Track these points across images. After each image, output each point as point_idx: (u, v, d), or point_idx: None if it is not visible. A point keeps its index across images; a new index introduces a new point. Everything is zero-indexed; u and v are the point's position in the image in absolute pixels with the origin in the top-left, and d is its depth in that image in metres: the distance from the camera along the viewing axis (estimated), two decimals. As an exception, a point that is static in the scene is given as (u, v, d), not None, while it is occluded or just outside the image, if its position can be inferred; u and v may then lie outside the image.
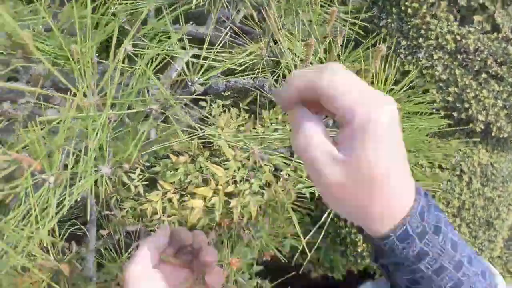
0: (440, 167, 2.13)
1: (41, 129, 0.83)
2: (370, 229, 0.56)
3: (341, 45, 1.37)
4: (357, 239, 2.30)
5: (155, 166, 1.96)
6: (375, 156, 0.48)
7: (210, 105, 2.01)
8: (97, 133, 0.89)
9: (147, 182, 1.97)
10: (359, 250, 2.32)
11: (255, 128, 2.06)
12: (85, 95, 0.92)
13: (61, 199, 0.88)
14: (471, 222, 2.17)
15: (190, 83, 1.11)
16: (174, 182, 1.93)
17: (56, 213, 0.88)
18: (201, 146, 1.99)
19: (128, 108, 1.04)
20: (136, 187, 1.90)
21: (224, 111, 2.05)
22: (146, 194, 1.91)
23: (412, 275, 0.57)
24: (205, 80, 1.12)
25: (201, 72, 1.12)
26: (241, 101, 2.10)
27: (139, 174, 1.93)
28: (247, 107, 2.12)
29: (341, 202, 0.53)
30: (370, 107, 0.48)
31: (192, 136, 1.18)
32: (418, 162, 2.07)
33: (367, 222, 0.55)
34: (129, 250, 1.80)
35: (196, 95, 1.13)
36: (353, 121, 0.48)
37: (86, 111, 0.89)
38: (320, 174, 0.51)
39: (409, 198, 0.54)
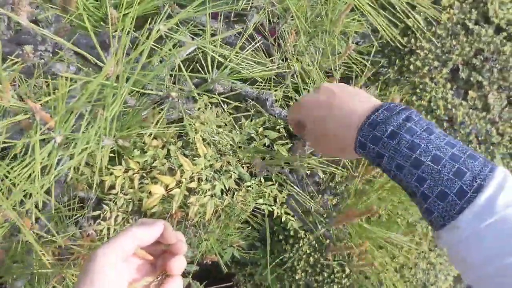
0: (396, 222, 2.17)
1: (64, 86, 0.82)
2: (346, 151, 0.80)
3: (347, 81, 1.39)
4: (297, 266, 2.32)
5: (128, 141, 1.93)
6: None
7: (196, 100, 2.00)
8: (114, 104, 0.88)
9: (111, 154, 1.94)
10: (296, 277, 2.34)
11: (231, 132, 2.06)
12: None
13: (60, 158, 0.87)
14: (409, 281, 2.22)
15: (209, 80, 1.11)
16: (139, 162, 1.91)
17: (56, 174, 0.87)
18: (176, 136, 1.98)
19: (142, 88, 1.03)
20: (102, 156, 1.86)
21: (206, 108, 2.05)
22: (108, 165, 1.88)
23: (388, 173, 0.72)
24: (226, 82, 1.12)
25: (222, 72, 1.12)
26: (226, 103, 2.10)
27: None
28: (230, 111, 2.11)
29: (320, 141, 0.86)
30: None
31: (172, 123, 1.18)
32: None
33: (347, 150, 0.79)
34: (76, 216, 1.76)
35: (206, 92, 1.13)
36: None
37: (113, 80, 0.87)
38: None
39: (353, 125, 0.76)
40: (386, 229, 1.19)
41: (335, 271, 2.23)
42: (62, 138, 0.86)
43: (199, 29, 1.23)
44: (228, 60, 1.11)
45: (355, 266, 1.16)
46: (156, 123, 1.56)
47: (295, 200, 1.22)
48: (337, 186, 1.43)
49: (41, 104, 0.82)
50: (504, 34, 2.11)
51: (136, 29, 1.04)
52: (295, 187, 1.28)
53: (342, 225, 1.15)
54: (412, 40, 2.16)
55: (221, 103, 2.06)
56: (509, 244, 0.60)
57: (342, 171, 1.27)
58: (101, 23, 1.02)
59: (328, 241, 1.21)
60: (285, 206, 2.02)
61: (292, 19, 1.53)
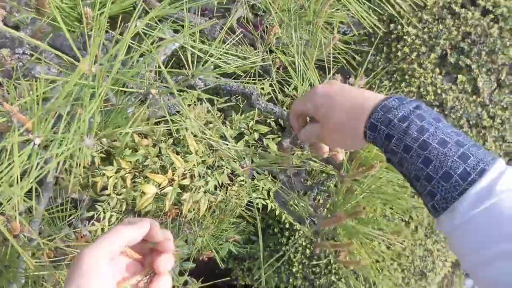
0: (391, 209, 2.16)
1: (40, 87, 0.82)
2: (356, 138, 0.80)
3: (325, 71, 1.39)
4: (294, 259, 2.32)
5: (115, 141, 1.94)
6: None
7: (185, 96, 2.00)
8: (93, 103, 0.88)
9: (103, 155, 1.94)
10: (293, 270, 2.34)
11: (222, 128, 2.06)
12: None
13: (40, 161, 0.87)
14: (406, 269, 2.22)
15: (190, 76, 1.10)
16: (131, 162, 1.91)
17: (37, 177, 0.86)
18: (166, 133, 1.98)
19: (123, 86, 1.03)
20: (93, 156, 1.87)
21: (195, 104, 2.05)
22: (100, 166, 1.88)
23: (394, 157, 0.74)
24: (204, 77, 1.11)
25: (203, 67, 1.11)
26: (216, 98, 2.10)
27: (98, 145, 1.90)
28: (220, 106, 2.12)
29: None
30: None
31: (161, 120, 1.18)
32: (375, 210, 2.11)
33: (356, 134, 0.80)
34: (71, 217, 1.76)
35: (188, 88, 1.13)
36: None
37: (90, 79, 0.87)
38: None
39: (367, 109, 0.77)
40: (374, 227, 1.19)
41: (331, 262, 2.23)
42: (42, 139, 0.86)
43: (178, 25, 1.22)
44: (207, 54, 1.10)
45: (342, 262, 1.16)
46: (143, 121, 1.56)
47: (282, 196, 1.21)
48: (325, 183, 1.43)
49: (19, 107, 0.82)
50: (491, 16, 2.10)
51: (115, 27, 1.04)
52: (284, 184, 1.28)
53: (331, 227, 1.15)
54: (399, 27, 2.15)
55: (209, 99, 2.07)
56: (501, 230, 0.62)
57: (326, 167, 1.27)
58: (77, 23, 1.02)
59: (316, 238, 1.20)
60: (278, 199, 2.02)
61: (277, 12, 1.52)
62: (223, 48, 1.14)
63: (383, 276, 2.13)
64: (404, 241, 2.17)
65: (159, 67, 1.02)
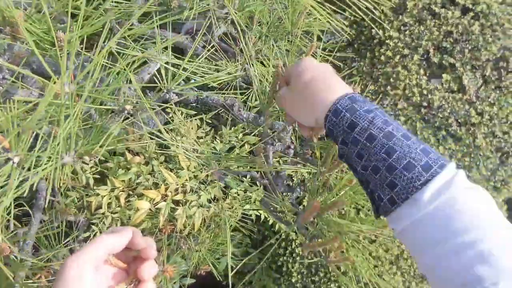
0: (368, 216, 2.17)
1: (17, 108, 0.84)
2: (318, 118, 0.81)
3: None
4: (293, 269, 2.33)
5: (108, 162, 1.96)
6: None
7: (174, 113, 2.02)
8: (68, 122, 0.90)
9: (97, 176, 1.96)
10: (293, 280, 2.34)
11: (213, 142, 2.08)
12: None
13: (19, 180, 0.88)
14: (406, 272, 2.22)
15: (165, 91, 1.13)
16: (124, 180, 1.93)
17: (15, 193, 0.88)
18: (158, 151, 2.00)
19: (101, 104, 1.05)
20: (87, 178, 1.89)
21: (186, 120, 2.06)
22: (94, 187, 1.90)
23: (354, 148, 0.74)
24: (180, 91, 1.13)
25: (177, 82, 1.13)
26: (205, 113, 2.12)
27: (92, 167, 1.92)
28: (209, 121, 2.14)
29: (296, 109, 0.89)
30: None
31: (152, 139, 1.19)
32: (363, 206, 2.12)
33: (314, 115, 0.82)
34: (67, 239, 1.78)
35: (163, 102, 1.15)
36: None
37: (62, 99, 0.89)
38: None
39: (336, 94, 0.79)
40: (360, 223, 1.20)
41: (330, 270, 2.23)
42: (21, 158, 0.88)
43: (152, 43, 1.25)
44: (180, 69, 1.12)
45: (332, 262, 1.17)
46: (134, 140, 1.58)
47: (268, 202, 1.23)
48: (305, 182, 1.45)
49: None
50: (471, 14, 2.12)
51: (90, 49, 1.06)
52: (266, 188, 1.30)
53: (312, 221, 1.15)
54: (380, 31, 2.18)
55: (198, 114, 2.09)
56: (458, 224, 0.63)
57: (310, 168, 1.28)
58: (50, 46, 1.04)
59: (304, 238, 1.22)
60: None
61: (259, 25, 1.55)
62: (195, 63, 1.16)
63: (383, 281, 2.14)
64: (401, 244, 2.17)
65: (141, 82, 1.05)
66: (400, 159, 0.68)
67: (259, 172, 1.34)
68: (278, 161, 1.72)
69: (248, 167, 1.26)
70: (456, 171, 0.67)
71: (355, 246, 1.26)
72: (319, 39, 1.81)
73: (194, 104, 2.02)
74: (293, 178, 2.09)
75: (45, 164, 0.90)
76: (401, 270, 2.22)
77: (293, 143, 1.40)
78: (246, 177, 2.03)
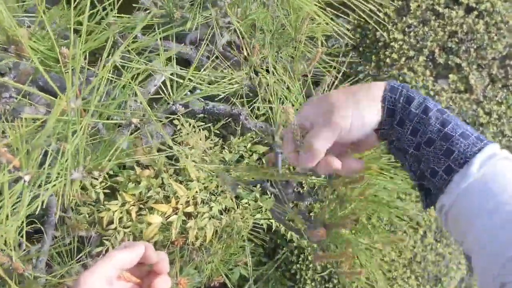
0: (398, 217, 2.15)
1: (26, 126, 0.84)
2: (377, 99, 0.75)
3: (316, 86, 1.40)
4: (307, 277, 2.31)
5: (117, 176, 1.96)
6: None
7: (182, 124, 2.02)
8: (75, 138, 0.90)
9: (107, 191, 1.96)
10: (307, 288, 2.34)
11: (222, 152, 2.08)
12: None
13: (30, 197, 0.88)
14: (420, 276, 2.21)
15: (171, 103, 1.12)
16: (134, 194, 1.93)
17: (27, 211, 0.88)
18: (167, 163, 2.00)
19: (108, 118, 1.05)
20: (97, 193, 1.89)
21: (195, 131, 2.07)
22: (105, 202, 1.90)
23: (409, 124, 0.71)
24: (186, 102, 1.13)
25: (183, 93, 1.13)
26: (213, 124, 2.12)
27: (102, 182, 1.93)
28: (217, 131, 2.13)
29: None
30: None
31: (161, 153, 1.19)
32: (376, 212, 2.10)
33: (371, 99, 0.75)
34: (80, 255, 1.78)
35: (170, 114, 1.14)
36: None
37: (69, 115, 0.89)
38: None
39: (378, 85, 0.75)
40: (369, 235, 1.19)
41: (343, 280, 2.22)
42: (31, 176, 0.88)
43: (156, 55, 1.25)
44: (186, 79, 1.12)
45: (344, 274, 1.15)
46: (144, 153, 1.58)
47: (277, 211, 1.22)
48: (318, 191, 1.44)
49: (7, 147, 0.84)
50: (475, 13, 2.12)
51: (95, 63, 1.06)
52: (276, 197, 1.29)
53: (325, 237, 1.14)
54: (385, 34, 2.17)
55: (207, 124, 2.09)
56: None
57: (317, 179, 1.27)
58: (55, 63, 1.04)
59: (314, 250, 1.21)
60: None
61: (261, 33, 1.54)
62: (200, 73, 1.16)
63: (397, 286, 2.13)
64: (414, 247, 2.16)
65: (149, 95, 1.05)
66: (455, 128, 0.68)
67: (269, 181, 1.34)
68: (288, 169, 1.71)
69: (259, 177, 1.25)
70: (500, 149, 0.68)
71: (366, 253, 1.25)
72: (324, 44, 1.80)
73: (202, 115, 2.02)
74: (304, 186, 2.08)
75: (55, 180, 0.90)
76: (415, 274, 2.21)
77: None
78: (256, 187, 2.03)
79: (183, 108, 1.11)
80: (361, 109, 0.73)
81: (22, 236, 1.09)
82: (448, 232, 0.76)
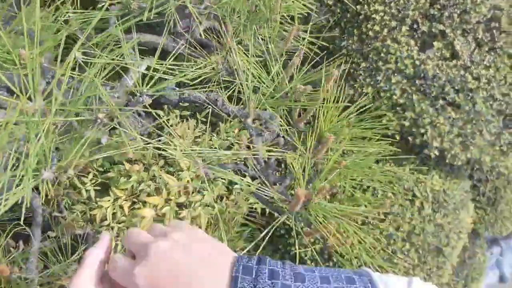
0: (392, 192, 2.15)
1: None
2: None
3: (297, 65, 1.39)
4: (306, 257, 2.31)
5: (109, 172, 1.95)
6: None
7: (168, 114, 2.01)
8: (39, 139, 0.89)
9: (99, 188, 1.95)
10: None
11: (211, 140, 2.07)
12: (30, 100, 0.92)
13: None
14: (420, 248, 2.19)
15: (139, 94, 1.12)
16: (126, 189, 1.92)
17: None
18: (156, 155, 1.99)
19: (76, 115, 1.04)
20: (87, 191, 1.89)
21: (182, 121, 2.06)
22: (97, 199, 1.90)
23: None
24: (154, 92, 1.12)
25: (151, 84, 1.12)
26: (199, 113, 2.11)
27: (92, 179, 1.92)
28: (204, 119, 2.12)
29: None
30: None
31: (147, 144, 1.19)
32: (369, 187, 2.09)
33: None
34: (76, 253, 1.78)
35: (151, 106, 1.14)
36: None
37: (30, 116, 0.89)
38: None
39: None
40: (352, 205, 1.18)
41: (343, 255, 2.21)
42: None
43: (119, 47, 1.23)
44: (151, 70, 1.11)
45: (331, 247, 1.15)
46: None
47: (258, 193, 1.22)
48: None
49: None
50: (456, -23, 2.09)
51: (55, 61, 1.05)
52: (254, 179, 1.29)
53: (303, 208, 1.14)
54: (365, 6, 2.14)
55: (192, 115, 2.08)
56: None
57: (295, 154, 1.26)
58: (14, 66, 1.04)
59: (301, 226, 1.20)
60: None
61: (238, 17, 1.53)
62: (167, 62, 1.15)
63: (398, 259, 2.11)
64: (411, 220, 2.15)
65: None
66: None
67: (247, 165, 1.33)
68: (269, 151, 1.70)
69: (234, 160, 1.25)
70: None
71: (362, 228, 1.24)
72: (306, 22, 1.78)
73: (187, 105, 2.01)
74: (283, 166, 2.08)
75: (20, 182, 0.90)
76: (415, 246, 2.19)
77: (281, 131, 1.39)
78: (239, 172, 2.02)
79: (149, 98, 1.10)
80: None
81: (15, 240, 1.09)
82: None
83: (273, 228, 1.11)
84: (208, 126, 2.12)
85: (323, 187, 1.08)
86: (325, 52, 1.80)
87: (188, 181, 1.94)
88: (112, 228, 1.90)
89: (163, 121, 1.91)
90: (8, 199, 0.87)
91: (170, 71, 1.17)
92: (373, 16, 2.12)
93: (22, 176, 0.89)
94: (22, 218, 0.91)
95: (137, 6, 1.16)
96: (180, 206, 1.93)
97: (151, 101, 1.10)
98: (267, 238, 1.14)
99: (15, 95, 0.90)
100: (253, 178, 1.30)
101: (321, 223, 1.12)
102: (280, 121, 1.40)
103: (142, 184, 1.92)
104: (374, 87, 2.13)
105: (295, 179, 1.17)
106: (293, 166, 1.21)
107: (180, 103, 1.41)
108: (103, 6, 1.09)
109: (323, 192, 1.08)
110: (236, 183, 2.05)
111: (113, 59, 1.08)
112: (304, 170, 1.13)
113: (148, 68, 1.16)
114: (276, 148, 1.39)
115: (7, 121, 0.84)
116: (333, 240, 1.17)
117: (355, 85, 2.17)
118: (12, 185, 0.87)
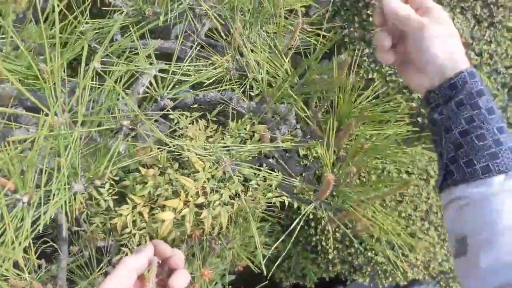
0: (407, 172, 2.16)
1: (15, 148, 0.84)
2: (445, 72, 0.74)
3: (306, 56, 1.39)
4: (327, 247, 2.32)
5: (124, 180, 1.96)
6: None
7: (179, 117, 2.01)
8: (68, 151, 0.90)
9: (116, 197, 1.96)
10: (330, 257, 2.34)
11: (223, 139, 2.07)
12: (55, 114, 0.93)
13: (35, 217, 0.88)
14: (439, 226, 2.20)
15: (159, 98, 1.12)
16: (143, 195, 1.93)
17: (32, 232, 0.88)
18: (170, 159, 2.00)
19: (99, 125, 1.04)
20: (105, 201, 1.89)
21: (192, 123, 2.06)
22: (116, 208, 1.91)
23: (469, 113, 0.71)
24: (173, 95, 1.13)
25: (169, 87, 1.13)
26: (209, 113, 2.12)
27: (109, 189, 1.93)
28: (215, 118, 2.13)
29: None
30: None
31: (161, 149, 1.19)
32: (385, 168, 2.10)
33: (443, 66, 0.74)
34: (100, 266, 1.79)
35: (161, 110, 1.14)
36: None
37: (57, 130, 0.89)
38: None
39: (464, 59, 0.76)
40: (376, 189, 1.19)
41: (364, 240, 2.23)
42: (29, 196, 0.88)
43: (136, 54, 1.24)
44: (169, 73, 1.12)
45: (359, 231, 1.16)
46: (146, 153, 1.58)
47: (284, 185, 1.23)
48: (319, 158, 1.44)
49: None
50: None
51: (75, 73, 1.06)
52: (274, 169, 1.29)
53: (333, 194, 1.15)
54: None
55: (203, 115, 2.08)
56: None
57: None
58: (35, 80, 1.04)
59: (328, 213, 1.21)
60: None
61: (242, 15, 1.54)
62: (183, 65, 1.15)
63: (418, 239, 2.12)
64: (428, 199, 2.16)
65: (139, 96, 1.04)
66: (507, 140, 0.70)
67: (274, 158, 1.33)
68: (291, 142, 1.71)
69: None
70: None
71: (381, 211, 1.25)
72: (306, 14, 1.79)
73: (196, 106, 2.02)
74: (308, 157, 2.08)
75: (55, 197, 0.90)
76: (433, 225, 2.20)
77: (298, 122, 1.39)
78: (263, 166, 2.03)
79: (171, 102, 1.11)
80: (448, 44, 0.76)
81: (39, 258, 1.09)
82: (445, 221, 0.76)
83: (301, 219, 1.12)
84: (218, 125, 2.13)
85: (350, 170, 1.08)
86: (329, 42, 1.80)
87: (204, 182, 1.95)
88: (134, 235, 1.91)
89: (184, 124, 1.92)
90: (47, 211, 0.88)
91: (184, 74, 1.17)
92: (372, 1, 2.13)
93: (49, 190, 0.89)
94: (49, 235, 0.92)
95: (152, 12, 1.17)
96: (199, 206, 1.94)
97: (173, 104, 1.11)
98: (287, 231, 1.15)
99: (42, 112, 0.91)
100: (273, 171, 1.30)
101: (351, 207, 1.13)
102: (298, 113, 1.41)
103: (159, 188, 1.93)
104: (380, 72, 2.14)
105: (321, 166, 1.18)
106: (316, 154, 1.22)
107: (195, 105, 1.42)
108: (121, 12, 1.09)
109: (351, 176, 1.09)
110: (251, 180, 2.06)
111: (129, 65, 1.09)
112: (329, 157, 1.14)
113: (164, 71, 1.16)
114: (295, 139, 1.40)
115: (36, 136, 0.85)
116: (362, 224, 1.18)
117: (360, 72, 2.18)
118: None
